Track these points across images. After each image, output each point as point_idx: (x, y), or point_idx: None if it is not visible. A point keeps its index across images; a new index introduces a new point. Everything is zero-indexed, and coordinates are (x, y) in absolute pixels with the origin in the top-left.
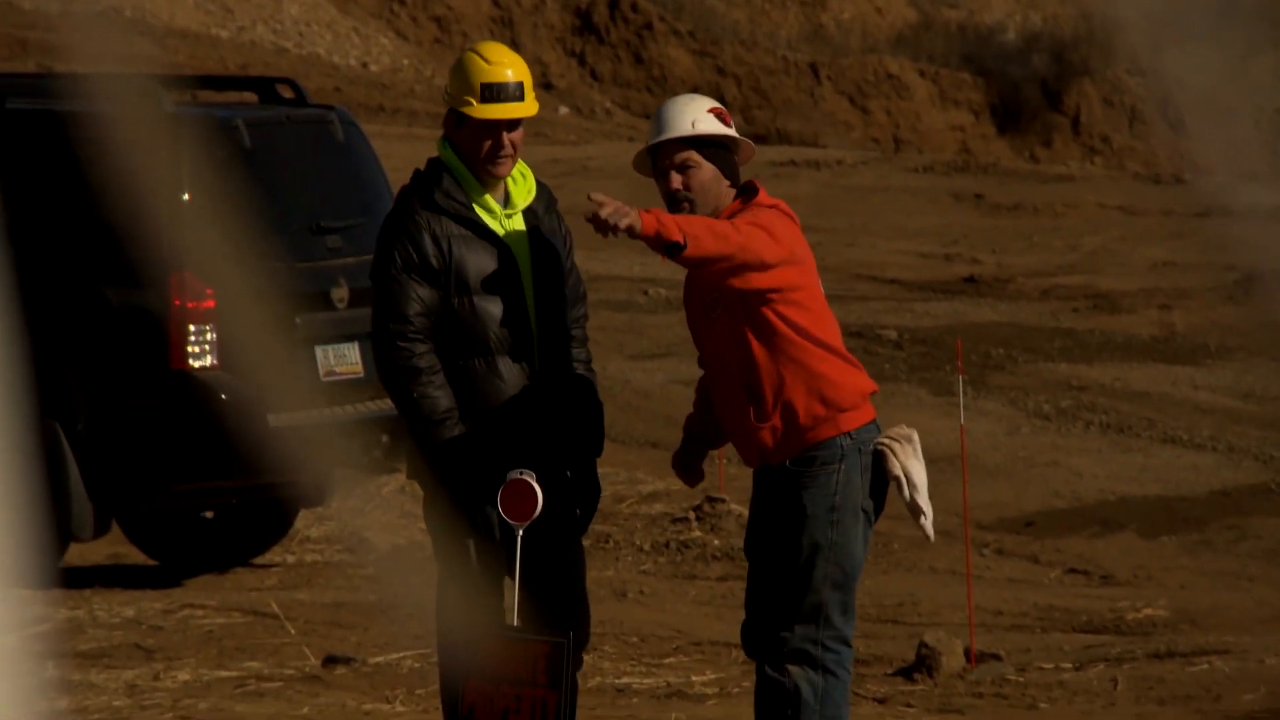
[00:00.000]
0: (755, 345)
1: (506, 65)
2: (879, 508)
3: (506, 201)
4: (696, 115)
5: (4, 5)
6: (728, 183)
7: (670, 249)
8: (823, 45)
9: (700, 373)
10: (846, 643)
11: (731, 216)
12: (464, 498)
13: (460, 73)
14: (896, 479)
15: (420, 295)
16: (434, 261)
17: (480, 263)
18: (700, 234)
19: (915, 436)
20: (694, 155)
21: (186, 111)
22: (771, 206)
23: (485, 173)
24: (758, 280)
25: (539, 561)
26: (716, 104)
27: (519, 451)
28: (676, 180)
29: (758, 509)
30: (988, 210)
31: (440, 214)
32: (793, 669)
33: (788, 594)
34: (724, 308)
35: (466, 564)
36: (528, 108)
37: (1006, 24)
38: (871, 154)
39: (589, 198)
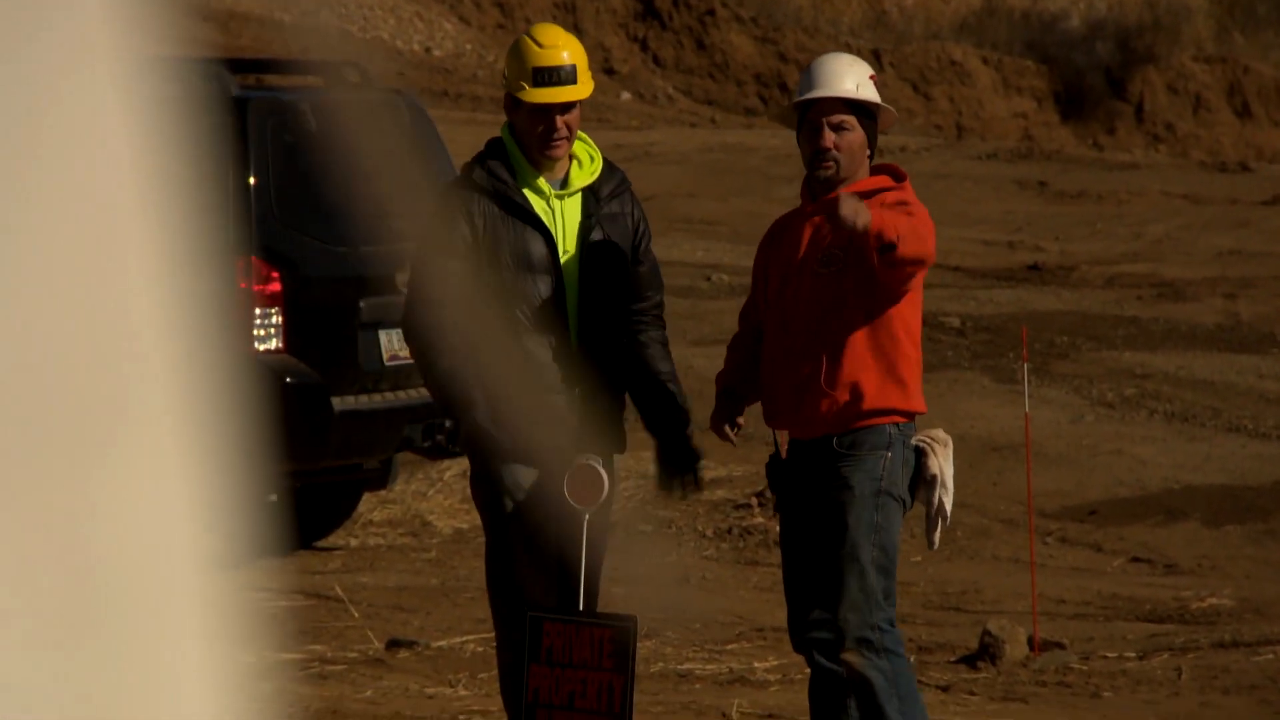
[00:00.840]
0: (860, 318)
1: (561, 48)
2: (910, 504)
3: (564, 184)
4: (860, 78)
5: None
6: (869, 153)
7: (885, 248)
8: (885, 32)
9: (732, 331)
10: (892, 622)
11: (882, 195)
12: (489, 470)
13: (515, 57)
14: (934, 477)
15: (455, 272)
16: (470, 240)
17: (518, 242)
18: (906, 235)
19: (950, 443)
20: (851, 118)
21: (252, 95)
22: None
23: (541, 155)
24: (913, 280)
25: (555, 538)
26: (872, 71)
27: (552, 432)
28: (830, 138)
29: (793, 498)
30: (1051, 198)
31: (480, 193)
32: (855, 659)
33: (836, 579)
34: (842, 269)
35: (511, 540)
36: (580, 90)
37: (1070, 11)
38: (934, 141)
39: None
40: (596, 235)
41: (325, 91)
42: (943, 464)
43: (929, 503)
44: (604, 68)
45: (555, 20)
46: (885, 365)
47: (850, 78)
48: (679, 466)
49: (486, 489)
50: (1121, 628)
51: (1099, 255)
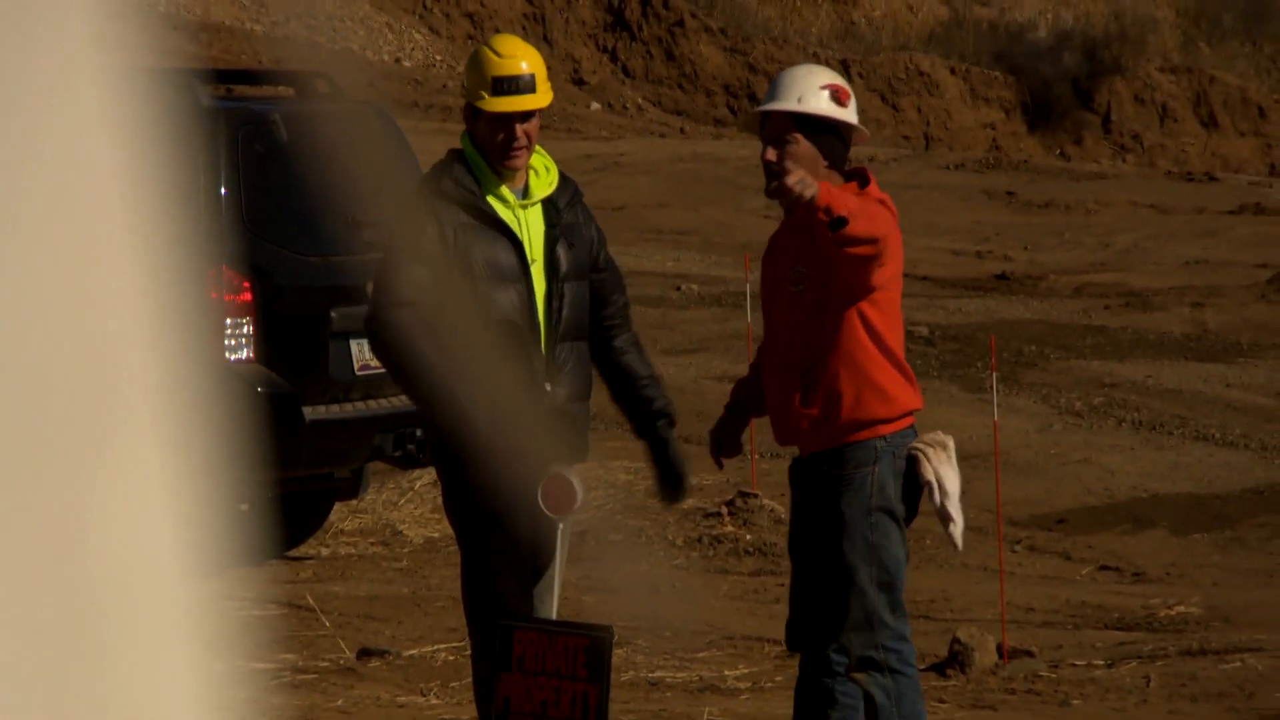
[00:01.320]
0: (826, 332)
1: (519, 58)
2: (911, 513)
3: (525, 193)
4: (806, 90)
5: None
6: (827, 164)
7: (835, 223)
8: (854, 42)
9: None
10: (904, 639)
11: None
12: (465, 477)
13: (474, 67)
14: (928, 484)
15: (416, 279)
16: (436, 248)
17: (487, 251)
18: (857, 213)
19: (950, 444)
20: (797, 133)
21: (223, 105)
22: (880, 202)
23: (501, 165)
24: (876, 276)
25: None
26: (837, 80)
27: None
28: (771, 153)
29: (796, 509)
30: (1019, 208)
31: (448, 202)
32: (860, 677)
33: (837, 601)
34: (809, 285)
35: (487, 550)
36: (540, 99)
37: (1038, 21)
38: (903, 151)
39: (766, 158)
40: (561, 244)
41: (296, 102)
42: (938, 467)
43: (934, 507)
44: (573, 78)
45: (524, 31)
46: (859, 377)
47: (795, 89)
48: (674, 470)
49: (460, 498)
50: (1090, 636)
51: (1067, 265)
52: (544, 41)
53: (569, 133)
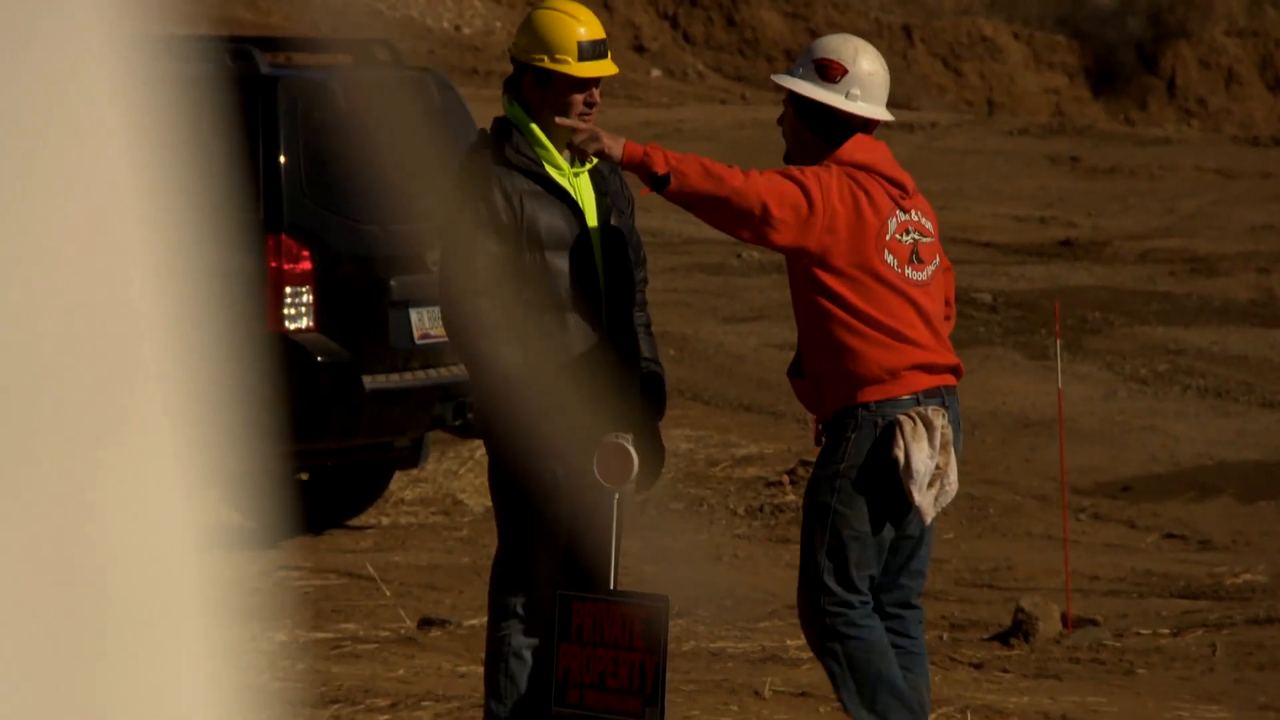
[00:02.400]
0: (801, 305)
1: (595, 22)
2: (893, 482)
3: (573, 161)
4: (801, 62)
5: None
6: (814, 138)
7: (654, 181)
8: (916, 8)
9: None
10: (850, 605)
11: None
12: (532, 452)
13: (548, 30)
14: (894, 459)
15: (489, 251)
16: (504, 217)
17: (551, 219)
18: (691, 171)
19: (939, 422)
20: (788, 99)
21: (282, 73)
22: (852, 165)
23: (571, 130)
24: (775, 237)
25: (585, 519)
26: (830, 55)
27: (586, 409)
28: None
29: None
30: (1083, 173)
31: (512, 170)
32: (811, 639)
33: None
34: (788, 264)
35: (531, 525)
36: (613, 64)
37: None
38: (965, 117)
39: (557, 121)
40: (607, 212)
41: (354, 70)
42: (909, 443)
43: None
44: (634, 45)
45: None
46: (832, 349)
47: (800, 60)
48: (655, 455)
49: (504, 477)
50: (1155, 604)
51: (1131, 230)
52: (604, 8)
53: (629, 99)
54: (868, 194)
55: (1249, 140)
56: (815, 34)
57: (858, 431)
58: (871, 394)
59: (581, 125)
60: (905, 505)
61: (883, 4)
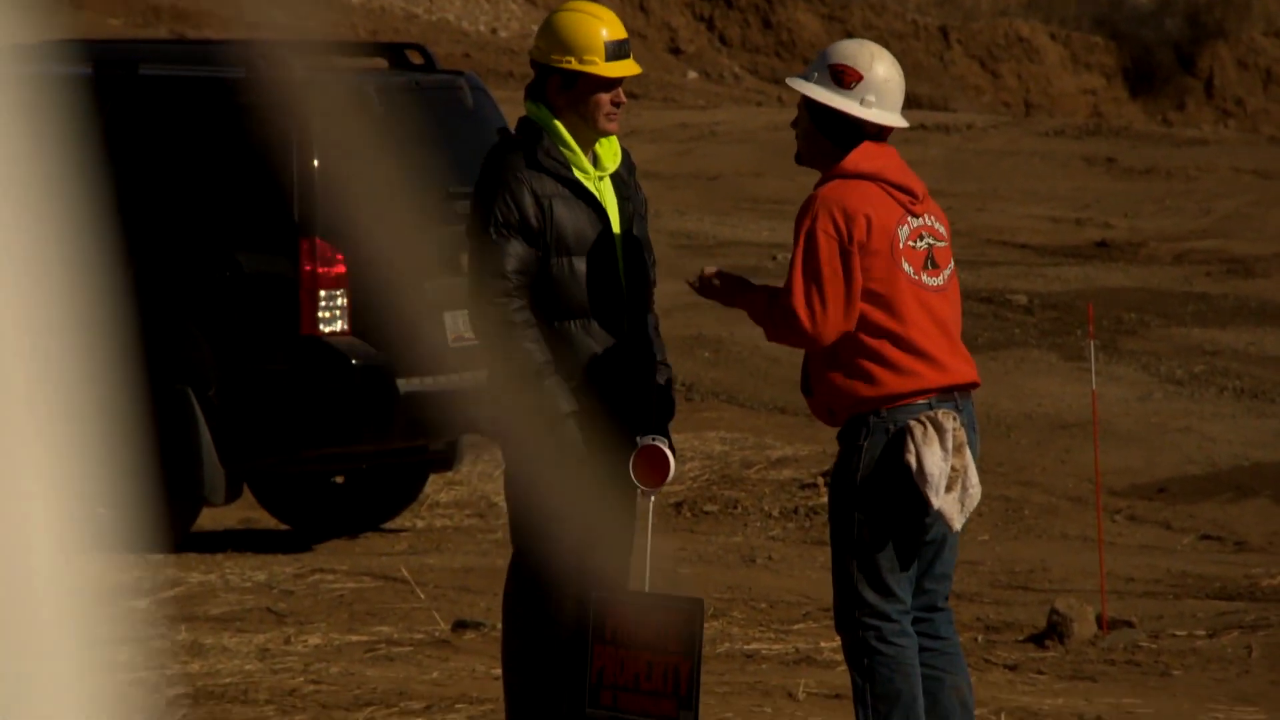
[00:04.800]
0: None
1: (617, 22)
2: (908, 488)
3: (596, 164)
4: (816, 67)
5: None
6: (827, 142)
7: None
8: (953, 9)
9: None
10: (887, 617)
11: (808, 206)
12: (565, 449)
13: (573, 31)
14: (906, 465)
15: (518, 253)
16: (534, 221)
17: (578, 223)
18: (764, 325)
19: (950, 425)
20: (802, 103)
21: (317, 77)
22: (857, 176)
23: (597, 131)
24: (839, 325)
25: (605, 520)
26: (846, 61)
27: (611, 414)
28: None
29: None
30: (1120, 174)
31: (541, 172)
32: (843, 646)
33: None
34: None
35: (551, 531)
36: (636, 64)
37: None
38: (1002, 118)
39: (701, 275)
40: (628, 215)
41: (389, 74)
42: (921, 448)
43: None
44: (670, 47)
45: (622, 0)
46: (843, 361)
47: (814, 65)
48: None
49: (524, 478)
50: (1191, 606)
51: (1168, 231)
52: (640, 10)
53: (665, 102)
54: (870, 214)
55: None
56: (852, 36)
57: (869, 439)
58: (883, 403)
59: (715, 276)
60: (925, 509)
61: (919, 5)
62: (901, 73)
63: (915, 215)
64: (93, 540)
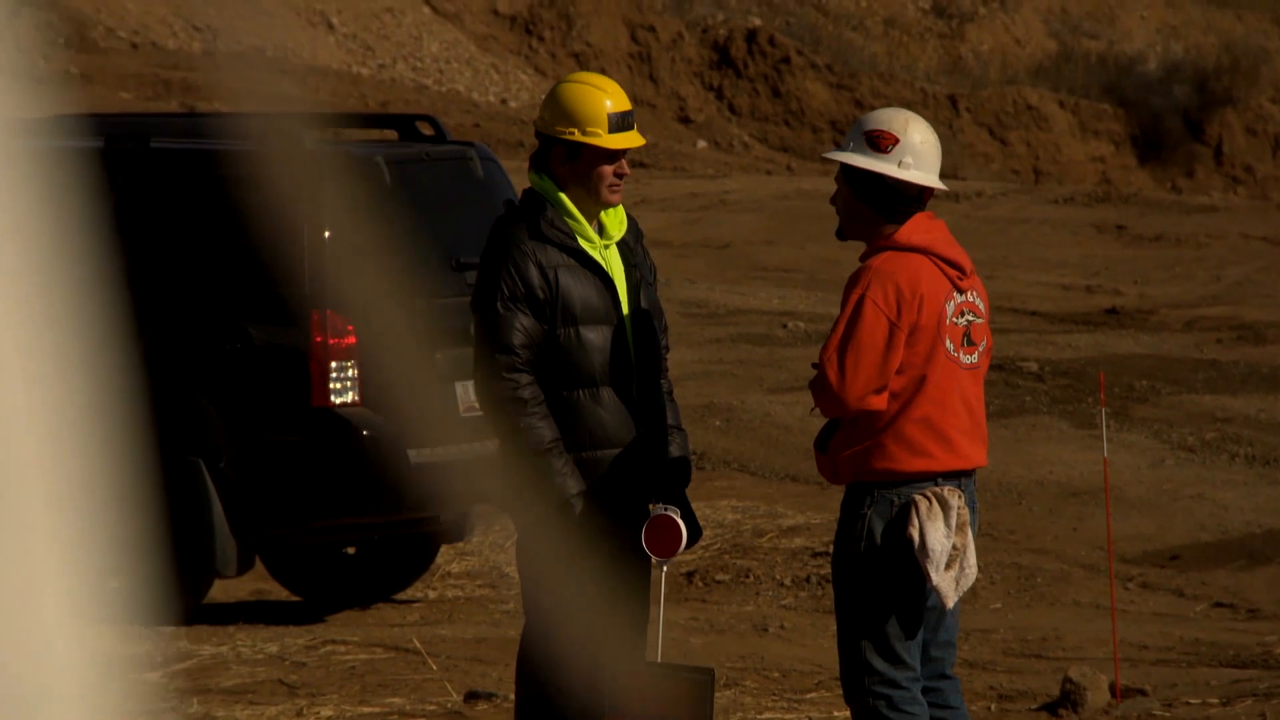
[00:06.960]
0: None
1: (621, 94)
2: (910, 560)
3: (601, 233)
4: (851, 137)
5: (148, 46)
6: (870, 210)
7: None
8: (961, 77)
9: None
10: (897, 684)
11: (859, 276)
12: (572, 528)
13: (577, 103)
14: (909, 539)
15: (525, 326)
16: (540, 292)
17: (585, 293)
18: (817, 404)
19: (954, 502)
20: (840, 174)
21: (328, 149)
22: (910, 249)
23: (600, 202)
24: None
25: (619, 588)
26: (881, 126)
27: (623, 484)
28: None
29: None
30: (1129, 241)
31: (546, 244)
32: (854, 718)
33: (839, 646)
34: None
35: (564, 602)
36: (640, 135)
37: (1147, 54)
38: (1011, 185)
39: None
40: (635, 283)
41: (399, 145)
42: (925, 523)
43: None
44: (680, 116)
45: (630, 70)
46: (863, 426)
47: (849, 135)
48: (691, 523)
49: (544, 552)
50: (1205, 674)
51: (1178, 298)
52: (650, 80)
53: (675, 171)
54: (924, 293)
55: None
56: (861, 104)
57: (873, 508)
58: (890, 476)
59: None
60: (923, 583)
61: (928, 74)
62: (936, 136)
63: (961, 291)
64: (104, 613)
